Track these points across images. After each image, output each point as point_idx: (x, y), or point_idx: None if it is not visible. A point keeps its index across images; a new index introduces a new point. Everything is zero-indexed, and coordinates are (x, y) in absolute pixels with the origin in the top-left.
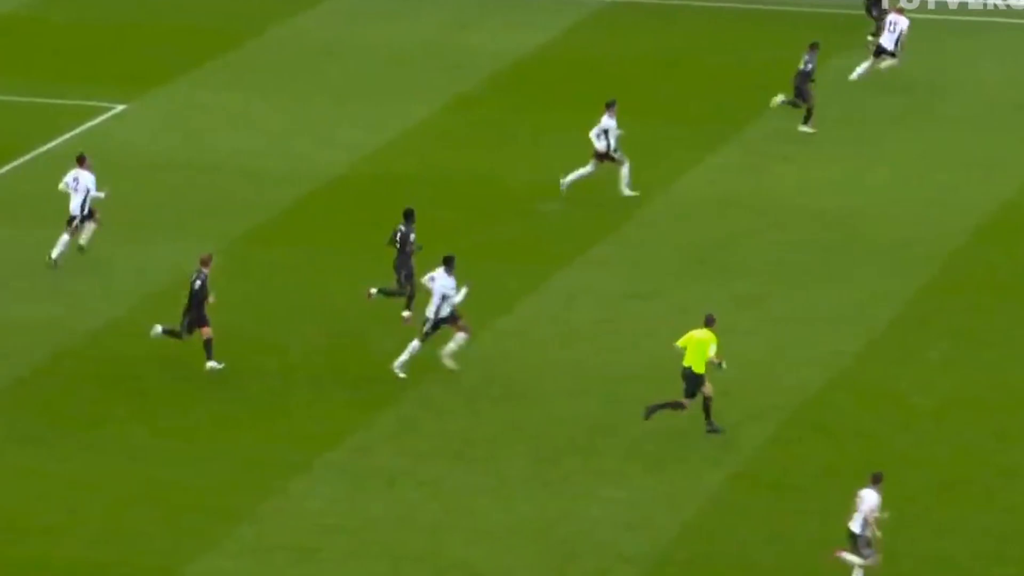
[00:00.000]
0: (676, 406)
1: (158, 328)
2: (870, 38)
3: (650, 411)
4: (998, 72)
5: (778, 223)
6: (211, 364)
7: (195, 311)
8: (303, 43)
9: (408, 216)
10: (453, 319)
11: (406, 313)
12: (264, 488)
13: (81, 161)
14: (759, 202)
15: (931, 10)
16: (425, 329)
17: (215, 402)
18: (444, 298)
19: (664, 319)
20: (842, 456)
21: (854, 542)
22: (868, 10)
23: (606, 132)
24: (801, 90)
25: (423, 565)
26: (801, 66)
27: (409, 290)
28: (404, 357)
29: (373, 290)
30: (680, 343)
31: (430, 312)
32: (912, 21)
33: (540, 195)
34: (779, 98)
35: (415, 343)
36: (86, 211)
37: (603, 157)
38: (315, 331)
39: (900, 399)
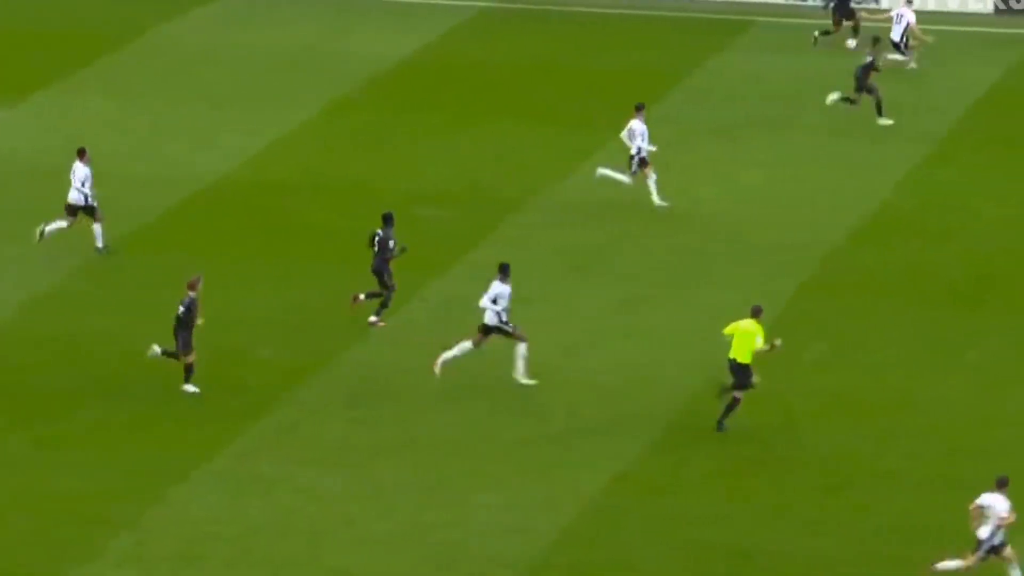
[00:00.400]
0: (733, 405)
1: (156, 349)
2: (818, 34)
3: (721, 425)
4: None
5: (656, 227)
6: (188, 387)
7: (182, 334)
8: (181, 48)
9: (387, 220)
10: (501, 328)
11: (361, 296)
12: (144, 496)
13: (81, 154)
14: (637, 206)
15: (806, 14)
16: (479, 336)
17: (94, 410)
18: (494, 303)
19: (544, 323)
20: (722, 459)
21: (979, 547)
22: (835, 11)
23: (637, 135)
24: (865, 84)
25: (302, 572)
26: (864, 61)
27: (387, 294)
28: (453, 354)
29: (361, 296)
30: (727, 331)
31: (490, 319)
32: (793, 25)
33: (417, 200)
34: (834, 95)
35: (464, 346)
36: (90, 202)
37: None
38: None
39: (779, 401)
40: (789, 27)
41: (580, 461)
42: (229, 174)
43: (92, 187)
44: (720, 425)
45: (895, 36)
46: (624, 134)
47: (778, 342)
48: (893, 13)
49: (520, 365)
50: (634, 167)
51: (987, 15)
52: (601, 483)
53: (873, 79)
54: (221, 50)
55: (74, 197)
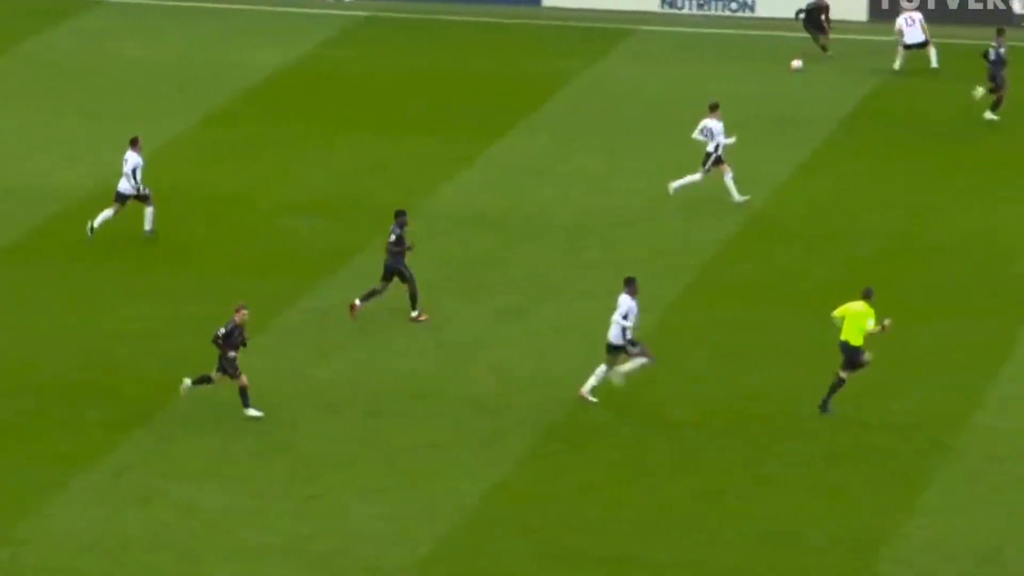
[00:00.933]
0: (838, 385)
1: (187, 382)
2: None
3: (825, 407)
4: (750, 85)
5: (533, 237)
6: (251, 411)
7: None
8: (54, 60)
9: (399, 216)
10: (630, 346)
11: (414, 313)
12: (19, 510)
13: (133, 143)
14: (514, 216)
15: (685, 23)
16: (632, 349)
17: None
18: (624, 318)
19: (421, 334)
20: (601, 467)
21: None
22: (805, 26)
23: (716, 133)
24: (997, 76)
25: None
26: (992, 55)
27: (411, 286)
28: (593, 383)
29: (358, 302)
30: (837, 314)
31: (615, 338)
32: (672, 34)
33: (294, 211)
34: (980, 90)
35: (644, 360)
36: (142, 192)
37: (717, 161)
38: (69, 350)
39: (658, 409)
40: (668, 35)
41: (460, 470)
42: (104, 187)
43: (142, 176)
44: (824, 407)
45: (916, 37)
46: (698, 134)
47: (887, 322)
48: (904, 18)
49: (628, 367)
50: (708, 165)
51: (861, 23)
52: (480, 492)
53: (1004, 73)
54: (95, 62)
55: (124, 186)
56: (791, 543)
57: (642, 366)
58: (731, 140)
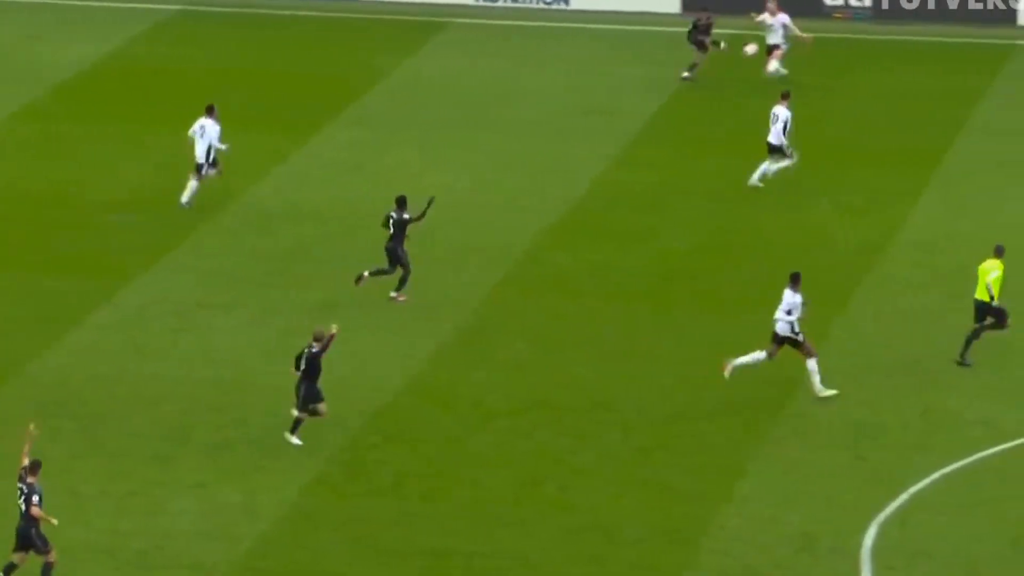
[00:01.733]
0: (975, 337)
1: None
2: (685, 74)
3: (964, 360)
4: (564, 78)
5: (351, 231)
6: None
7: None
8: None
9: (400, 202)
10: (794, 340)
11: (393, 294)
12: None
13: (209, 111)
14: (330, 210)
15: (500, 15)
16: (772, 346)
17: None
18: (788, 314)
19: (242, 327)
20: (419, 459)
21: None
22: (689, 37)
23: (784, 122)
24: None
25: None
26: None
27: (404, 272)
28: (745, 360)
29: (366, 273)
30: (980, 270)
31: (783, 330)
32: (488, 26)
33: (111, 207)
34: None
35: (762, 355)
36: (211, 159)
37: (774, 150)
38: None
39: (476, 401)
40: (484, 28)
41: (278, 465)
42: None
43: (219, 144)
44: (963, 359)
45: (778, 39)
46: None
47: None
48: (773, 22)
49: (815, 381)
50: (788, 151)
51: (674, 15)
52: (299, 487)
53: None
54: None
55: (200, 154)
56: (609, 534)
57: (759, 361)
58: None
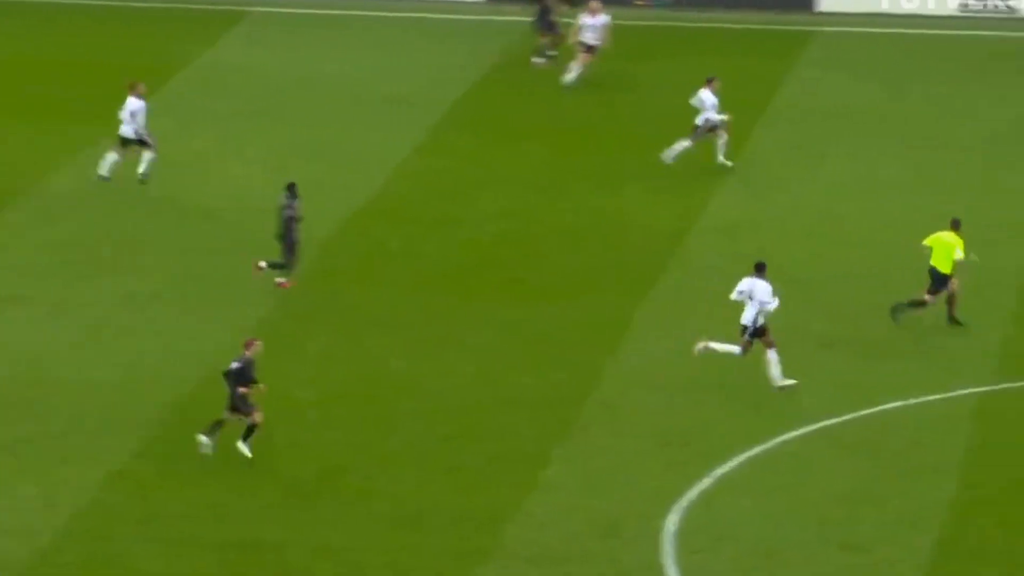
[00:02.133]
0: (919, 304)
1: (203, 439)
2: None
3: (896, 313)
4: (366, 65)
5: (151, 220)
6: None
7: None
8: None
9: (290, 189)
10: (764, 332)
11: (263, 263)
12: None
13: (132, 87)
14: (133, 199)
15: (299, 4)
16: (744, 339)
17: None
18: (761, 305)
19: (39, 321)
20: (222, 451)
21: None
22: (539, 20)
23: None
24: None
25: None
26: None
27: (290, 258)
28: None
29: (263, 263)
30: (927, 242)
31: (747, 320)
32: (286, 15)
33: None
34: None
35: (737, 349)
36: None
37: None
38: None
39: (281, 391)
40: (282, 17)
41: (78, 459)
42: None
43: (144, 121)
44: (952, 319)
45: (596, 40)
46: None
47: (974, 256)
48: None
49: (775, 371)
50: (699, 134)
51: (480, 3)
52: (98, 481)
53: None
54: None
55: (125, 131)
56: (415, 522)
57: (732, 354)
58: (725, 117)
